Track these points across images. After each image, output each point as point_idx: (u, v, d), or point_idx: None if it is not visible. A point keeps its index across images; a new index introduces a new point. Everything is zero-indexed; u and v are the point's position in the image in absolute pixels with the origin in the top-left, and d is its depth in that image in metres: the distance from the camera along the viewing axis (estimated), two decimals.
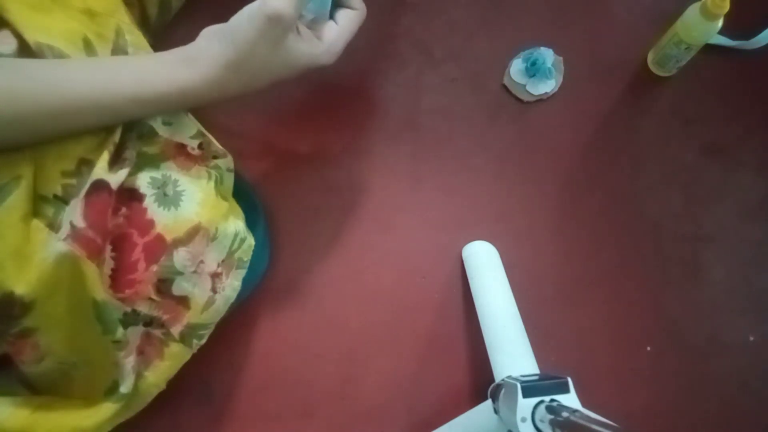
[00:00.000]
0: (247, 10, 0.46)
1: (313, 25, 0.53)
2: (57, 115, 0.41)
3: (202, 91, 0.47)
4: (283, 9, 0.45)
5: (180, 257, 0.49)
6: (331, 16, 0.54)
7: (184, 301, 0.51)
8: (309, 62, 0.51)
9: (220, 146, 0.55)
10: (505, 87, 0.77)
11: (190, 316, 0.53)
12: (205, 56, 0.47)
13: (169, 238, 0.48)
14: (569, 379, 0.48)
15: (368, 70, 0.78)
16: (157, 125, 0.49)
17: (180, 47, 0.48)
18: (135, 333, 0.50)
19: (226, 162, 0.56)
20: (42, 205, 0.42)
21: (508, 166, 0.76)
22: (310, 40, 0.51)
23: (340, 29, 0.53)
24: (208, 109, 0.50)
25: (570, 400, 0.47)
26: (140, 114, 0.47)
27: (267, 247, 0.70)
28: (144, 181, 0.47)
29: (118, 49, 0.48)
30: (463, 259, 0.72)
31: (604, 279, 0.73)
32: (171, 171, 0.49)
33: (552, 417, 0.44)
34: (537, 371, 0.59)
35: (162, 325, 0.51)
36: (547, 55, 0.76)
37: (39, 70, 0.42)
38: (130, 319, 0.49)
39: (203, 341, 0.57)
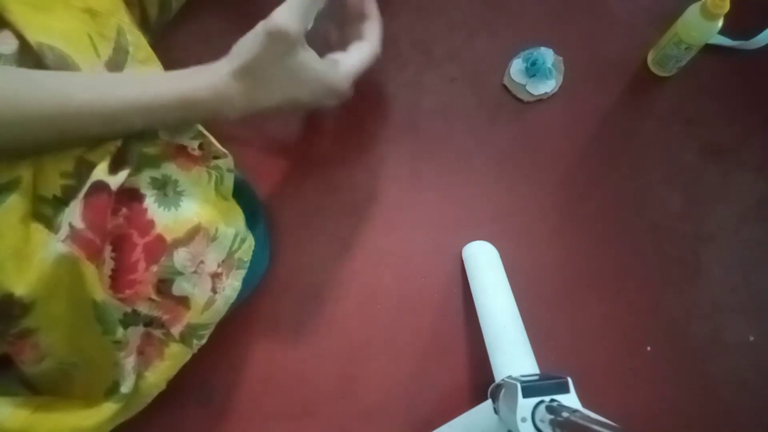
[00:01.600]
0: (253, 30, 0.48)
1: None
2: (59, 122, 0.42)
3: (206, 100, 0.47)
4: (286, 25, 0.46)
5: (180, 257, 0.49)
6: (326, 31, 0.56)
7: (184, 302, 0.51)
8: (319, 78, 0.52)
9: (220, 146, 0.55)
10: (505, 87, 0.77)
11: (191, 317, 0.53)
12: (210, 66, 0.48)
13: (169, 238, 0.48)
14: (569, 379, 0.49)
15: (368, 70, 0.78)
16: None
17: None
18: (135, 333, 0.50)
19: (226, 162, 0.56)
20: (41, 205, 0.42)
21: (508, 166, 0.76)
22: (322, 58, 0.53)
23: (350, 55, 0.56)
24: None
25: (570, 400, 0.47)
26: (144, 124, 0.47)
27: (267, 247, 0.70)
28: (144, 182, 0.47)
29: (120, 49, 0.48)
30: (463, 259, 0.72)
31: (604, 279, 0.73)
32: (171, 171, 0.50)
33: (552, 417, 0.44)
34: (537, 371, 0.59)
35: (162, 325, 0.52)
36: (547, 55, 0.76)
37: (43, 77, 0.42)
38: (130, 320, 0.49)
39: (203, 341, 0.57)
